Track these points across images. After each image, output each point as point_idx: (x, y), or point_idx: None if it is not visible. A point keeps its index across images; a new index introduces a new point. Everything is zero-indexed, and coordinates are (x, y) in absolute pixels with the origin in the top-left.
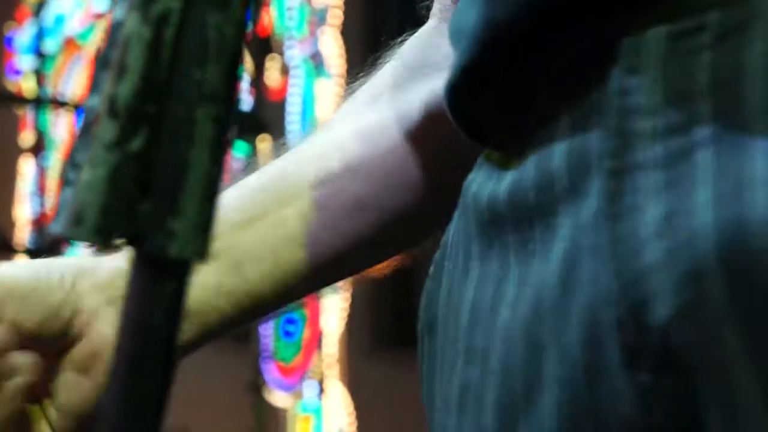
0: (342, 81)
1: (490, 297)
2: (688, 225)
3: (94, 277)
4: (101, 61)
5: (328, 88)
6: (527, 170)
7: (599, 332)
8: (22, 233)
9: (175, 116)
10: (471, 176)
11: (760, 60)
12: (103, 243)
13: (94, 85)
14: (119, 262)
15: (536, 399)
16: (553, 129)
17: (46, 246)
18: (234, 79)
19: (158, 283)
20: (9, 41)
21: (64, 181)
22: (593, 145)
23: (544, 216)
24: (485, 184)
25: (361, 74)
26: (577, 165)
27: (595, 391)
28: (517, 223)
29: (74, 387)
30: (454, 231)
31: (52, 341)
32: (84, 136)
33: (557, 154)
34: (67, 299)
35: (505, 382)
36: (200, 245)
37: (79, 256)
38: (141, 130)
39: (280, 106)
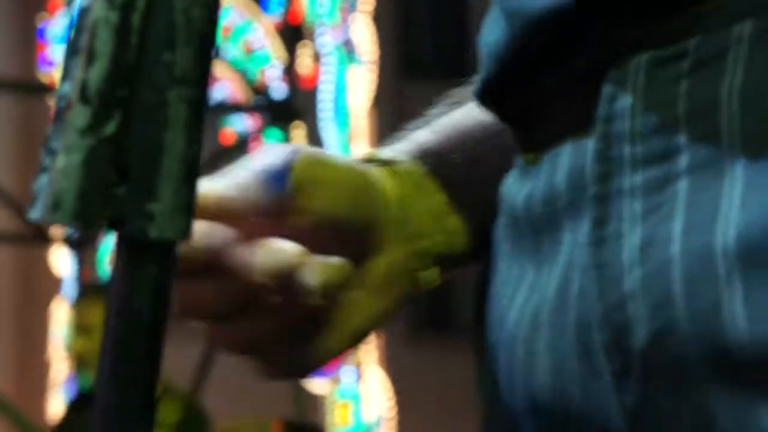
0: (374, 68)
1: (508, 298)
2: (661, 255)
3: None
4: (71, 48)
5: (360, 74)
6: (539, 180)
7: (590, 352)
8: None
9: (147, 100)
10: (509, 173)
11: (736, 90)
12: (82, 227)
13: (65, 72)
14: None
15: (533, 407)
16: (561, 144)
17: (82, 236)
18: (206, 61)
19: (140, 266)
20: (41, 32)
21: (40, 168)
22: (588, 167)
23: (550, 228)
24: (513, 185)
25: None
26: (576, 183)
27: (588, 406)
28: (531, 229)
29: (362, 306)
30: (497, 227)
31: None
32: (58, 122)
33: (561, 169)
34: (372, 209)
35: (509, 387)
36: (180, 227)
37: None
38: (113, 114)
39: (311, 94)
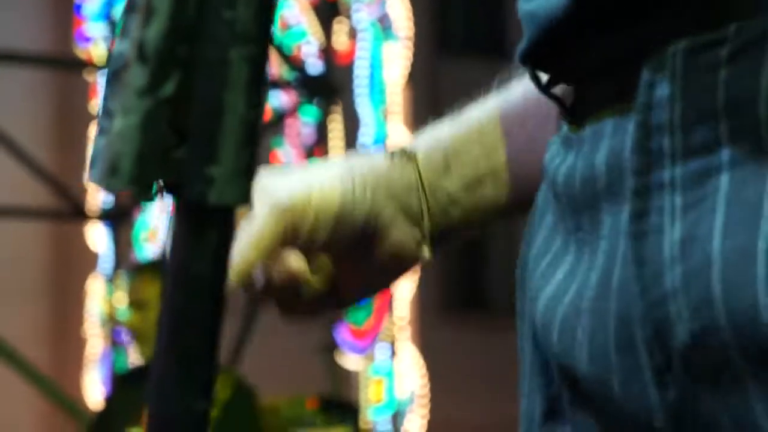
0: (409, 44)
1: (545, 270)
2: (701, 252)
3: (389, 189)
4: (128, 5)
5: (396, 50)
6: (579, 158)
7: (631, 346)
8: (94, 199)
9: (206, 58)
10: (551, 140)
11: None
12: (140, 192)
13: (122, 30)
14: (410, 171)
15: (573, 391)
16: (601, 123)
17: (118, 211)
18: (267, 19)
19: (200, 231)
20: (79, 8)
21: (98, 130)
22: (628, 155)
23: (589, 209)
24: (555, 157)
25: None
26: (615, 168)
27: (629, 397)
28: (571, 207)
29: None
30: (540, 192)
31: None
32: (114, 83)
33: (601, 150)
34: (367, 212)
35: (536, 360)
36: (241, 190)
37: (370, 162)
38: (172, 74)
39: (347, 70)
